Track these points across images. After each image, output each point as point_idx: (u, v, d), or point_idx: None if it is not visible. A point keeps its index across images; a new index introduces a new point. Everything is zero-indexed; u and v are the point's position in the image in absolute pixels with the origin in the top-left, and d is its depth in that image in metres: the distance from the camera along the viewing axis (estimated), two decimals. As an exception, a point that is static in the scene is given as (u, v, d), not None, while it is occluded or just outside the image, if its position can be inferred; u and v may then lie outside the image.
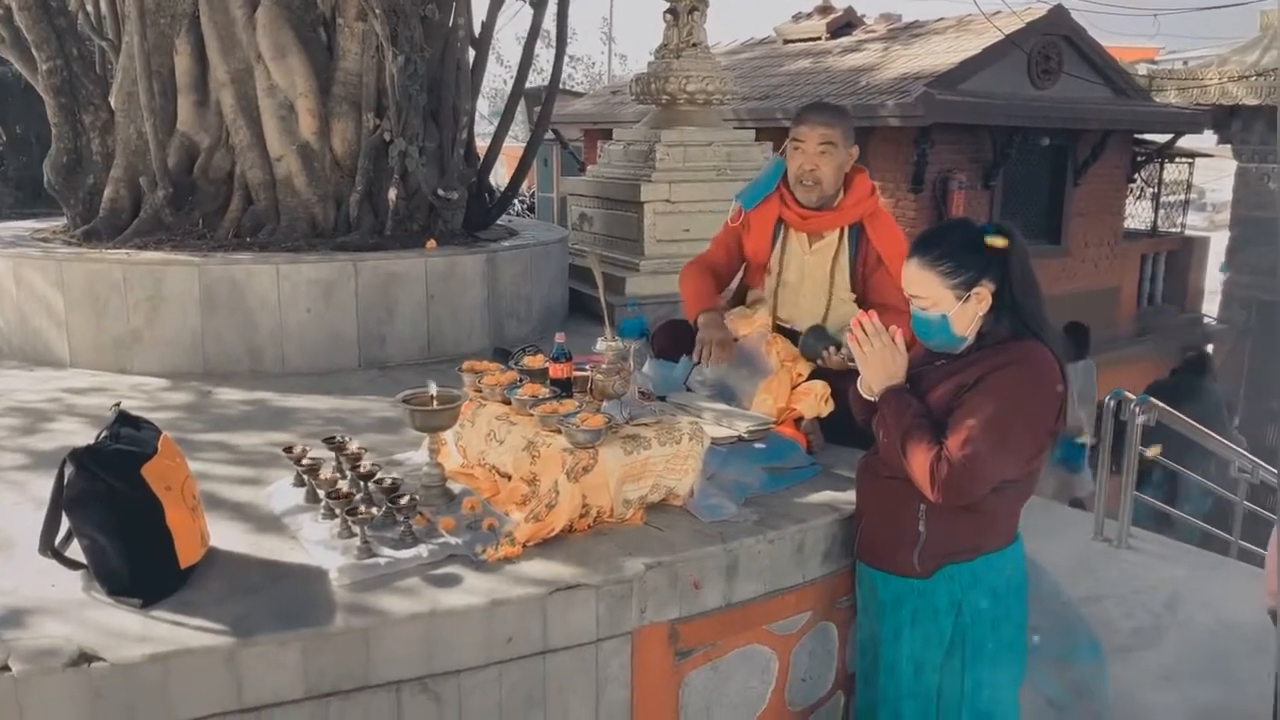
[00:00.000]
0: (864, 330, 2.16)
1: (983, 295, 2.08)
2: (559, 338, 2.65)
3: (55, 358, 3.97)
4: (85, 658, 1.78)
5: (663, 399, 2.94)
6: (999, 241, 2.08)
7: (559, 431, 2.33)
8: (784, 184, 3.06)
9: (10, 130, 16.62)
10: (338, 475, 2.45)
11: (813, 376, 2.92)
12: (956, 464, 1.98)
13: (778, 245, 3.10)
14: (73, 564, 2.05)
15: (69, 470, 1.95)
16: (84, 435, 2.74)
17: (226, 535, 2.29)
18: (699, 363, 2.90)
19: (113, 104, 4.49)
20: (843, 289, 3.04)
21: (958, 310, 2.09)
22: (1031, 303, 2.11)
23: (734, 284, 3.34)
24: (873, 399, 2.20)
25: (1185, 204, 13.56)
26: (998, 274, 2.09)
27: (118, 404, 2.22)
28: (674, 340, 3.17)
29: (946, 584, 2.15)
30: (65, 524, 2.02)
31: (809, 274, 3.07)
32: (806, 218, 3.03)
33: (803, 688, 2.53)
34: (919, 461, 2.03)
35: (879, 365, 2.16)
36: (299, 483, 2.52)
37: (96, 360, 3.90)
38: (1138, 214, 13.22)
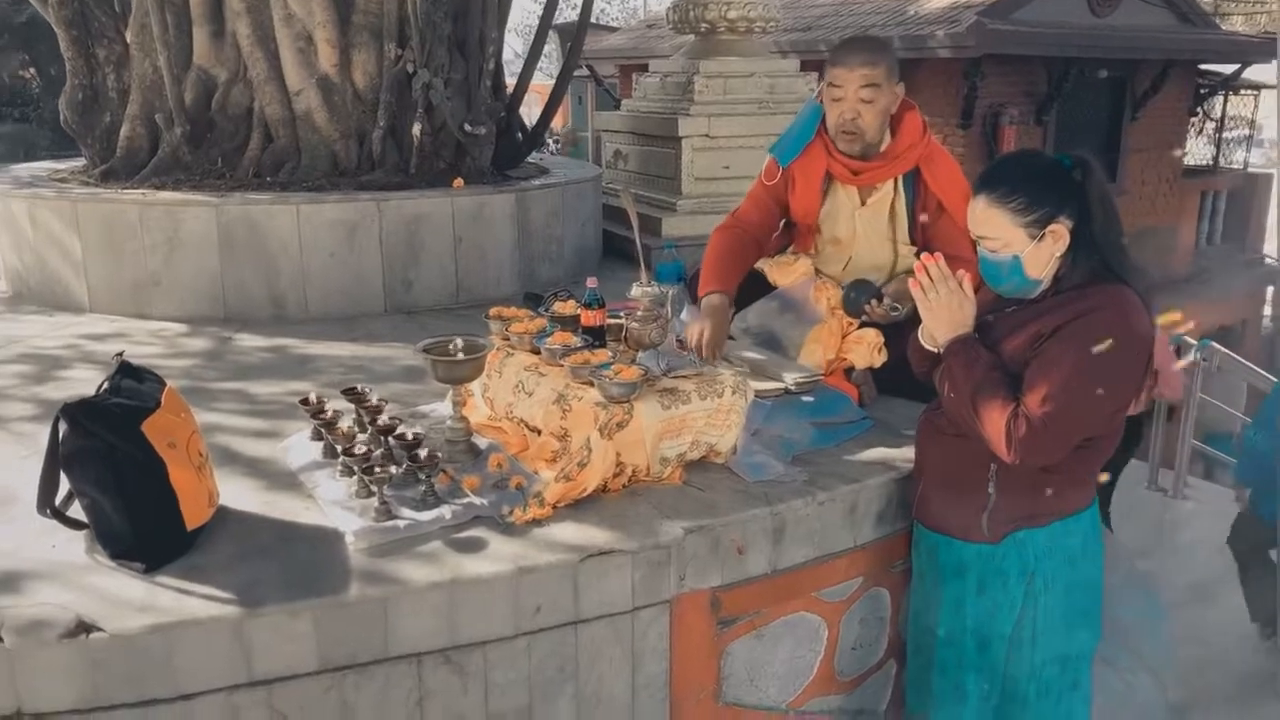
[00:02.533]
0: (929, 276, 1.95)
1: (1059, 233, 1.87)
2: (591, 282, 2.46)
3: (74, 302, 3.86)
4: (83, 628, 1.66)
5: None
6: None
7: (591, 384, 2.16)
8: (824, 130, 2.73)
9: (44, 72, 16.59)
10: (356, 429, 2.30)
11: (865, 324, 2.70)
12: (1036, 422, 1.78)
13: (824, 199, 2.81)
14: (75, 524, 1.93)
15: (63, 427, 1.82)
16: (97, 384, 2.63)
17: (239, 493, 2.16)
18: (683, 346, 2.53)
19: (128, 38, 4.31)
20: (904, 242, 2.78)
21: (1031, 251, 1.88)
22: (1113, 241, 1.89)
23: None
24: (936, 350, 2.00)
25: (1249, 139, 12.96)
26: (1075, 209, 1.87)
27: (120, 353, 2.08)
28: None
29: (1018, 550, 1.97)
30: (66, 482, 1.90)
31: (864, 230, 2.79)
32: (859, 171, 2.71)
33: (853, 657, 2.38)
34: (993, 419, 1.82)
35: (945, 313, 1.95)
36: (317, 436, 2.37)
37: (115, 305, 3.79)
38: (1194, 150, 12.66)
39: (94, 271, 3.80)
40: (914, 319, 2.08)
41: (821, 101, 2.71)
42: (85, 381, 2.91)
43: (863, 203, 2.78)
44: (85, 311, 3.82)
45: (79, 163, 4.71)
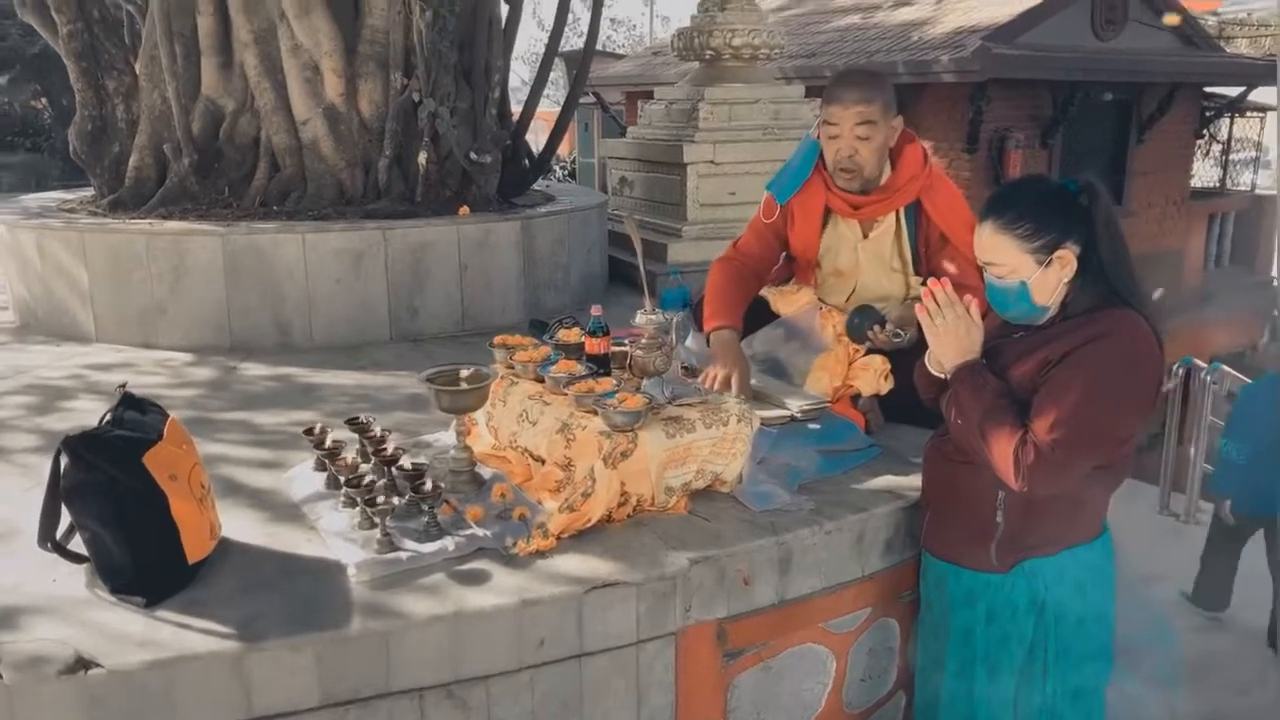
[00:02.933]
0: (935, 301, 1.93)
1: (1066, 259, 1.85)
2: (595, 310, 2.45)
3: (81, 332, 3.87)
4: (82, 664, 1.64)
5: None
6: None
7: (596, 413, 2.14)
8: (822, 165, 2.71)
9: (56, 103, 16.74)
10: (359, 460, 2.29)
11: (870, 351, 2.68)
12: (1044, 449, 1.75)
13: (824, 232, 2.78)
14: (76, 557, 1.91)
15: (64, 460, 1.81)
16: (100, 416, 2.63)
17: (241, 525, 2.14)
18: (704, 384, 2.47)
19: (137, 69, 4.35)
20: (913, 274, 2.76)
21: (1038, 277, 1.86)
22: (1121, 266, 1.87)
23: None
24: (943, 376, 1.98)
25: (1256, 161, 12.94)
26: (1082, 235, 1.85)
27: (123, 385, 2.07)
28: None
29: (1027, 580, 1.94)
30: (68, 515, 1.89)
31: (867, 263, 2.77)
32: (858, 205, 2.69)
33: (861, 688, 2.34)
34: (1001, 447, 1.80)
35: (952, 339, 1.93)
36: (320, 467, 2.36)
37: (122, 334, 3.79)
38: (1201, 173, 12.64)
39: (101, 301, 3.81)
40: (921, 345, 2.06)
41: (818, 137, 2.69)
42: (89, 412, 2.89)
43: (865, 236, 2.76)
44: (92, 341, 3.83)
45: (88, 193, 4.74)
